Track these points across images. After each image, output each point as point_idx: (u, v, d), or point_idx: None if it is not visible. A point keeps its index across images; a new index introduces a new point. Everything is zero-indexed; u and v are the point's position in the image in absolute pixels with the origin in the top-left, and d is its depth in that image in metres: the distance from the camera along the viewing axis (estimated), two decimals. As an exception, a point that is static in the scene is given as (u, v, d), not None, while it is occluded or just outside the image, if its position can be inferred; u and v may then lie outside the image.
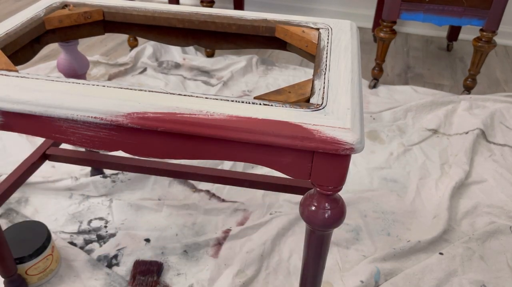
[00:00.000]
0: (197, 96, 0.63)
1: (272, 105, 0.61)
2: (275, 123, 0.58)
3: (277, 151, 0.61)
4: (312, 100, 0.64)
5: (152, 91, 0.63)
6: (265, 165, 0.63)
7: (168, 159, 0.89)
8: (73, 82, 0.66)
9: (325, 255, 0.76)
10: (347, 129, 0.57)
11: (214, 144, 0.62)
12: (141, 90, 0.64)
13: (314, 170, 0.62)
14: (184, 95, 0.63)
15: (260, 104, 0.62)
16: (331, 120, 0.58)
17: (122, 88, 0.64)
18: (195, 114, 0.59)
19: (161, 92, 0.63)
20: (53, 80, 0.66)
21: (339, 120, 0.58)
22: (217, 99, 0.62)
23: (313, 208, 0.67)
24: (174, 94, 0.63)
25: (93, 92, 0.63)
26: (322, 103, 0.62)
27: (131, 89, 0.64)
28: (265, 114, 0.59)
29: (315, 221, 0.68)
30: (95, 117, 0.61)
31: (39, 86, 0.64)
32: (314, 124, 0.58)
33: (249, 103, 0.62)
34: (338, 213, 0.68)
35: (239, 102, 0.62)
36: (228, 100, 0.62)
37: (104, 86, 0.65)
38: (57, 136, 0.67)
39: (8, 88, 0.64)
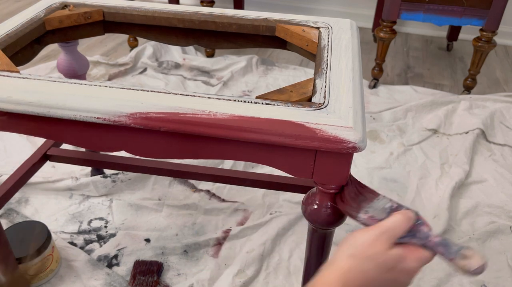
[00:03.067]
0: (199, 96, 0.63)
1: (274, 105, 0.61)
2: (278, 122, 0.58)
3: (280, 150, 0.61)
4: (314, 99, 0.64)
5: (154, 91, 0.63)
6: (267, 164, 0.63)
7: (171, 159, 0.89)
8: (75, 83, 0.65)
9: (327, 254, 0.77)
10: (349, 128, 0.57)
11: (217, 144, 0.62)
12: (143, 90, 0.64)
13: (316, 169, 0.62)
14: (187, 95, 0.63)
15: (262, 103, 0.62)
16: (334, 119, 0.59)
17: (124, 88, 0.64)
18: (198, 114, 0.59)
19: (164, 92, 0.63)
20: (55, 81, 0.66)
21: (342, 119, 0.58)
22: (219, 98, 0.62)
23: (315, 206, 0.68)
24: (176, 94, 0.63)
25: (95, 93, 0.63)
26: (324, 102, 0.62)
27: (133, 89, 0.64)
28: (268, 114, 0.59)
29: (318, 219, 0.68)
30: (97, 118, 0.61)
31: (41, 87, 0.64)
32: (316, 123, 0.58)
33: (251, 102, 0.62)
34: (341, 211, 0.68)
35: (241, 101, 0.62)
36: (230, 100, 0.62)
37: (106, 86, 0.65)
38: (60, 137, 0.67)
39: (10, 89, 0.64)
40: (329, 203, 0.67)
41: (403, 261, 0.53)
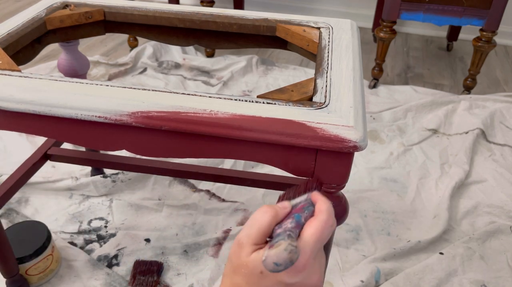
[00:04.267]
0: (200, 95, 0.63)
1: (275, 104, 0.61)
2: (279, 121, 0.58)
3: (280, 149, 0.61)
4: (315, 99, 0.64)
5: (156, 90, 0.63)
6: (268, 163, 0.63)
7: (172, 158, 0.89)
8: (76, 82, 0.66)
9: (327, 253, 0.76)
10: (350, 127, 0.57)
11: (218, 143, 0.62)
12: (144, 89, 0.64)
13: (317, 168, 0.62)
14: (188, 94, 0.63)
15: (263, 102, 0.62)
16: (334, 118, 0.59)
17: (125, 87, 0.64)
18: (199, 113, 0.59)
19: (165, 91, 0.63)
20: (56, 80, 0.66)
21: (342, 118, 0.58)
22: (220, 98, 0.62)
23: (316, 206, 0.67)
24: (177, 93, 0.63)
25: (97, 92, 0.63)
26: (325, 101, 0.62)
27: (134, 88, 0.64)
28: (269, 113, 0.59)
29: (318, 219, 0.68)
30: (99, 117, 0.61)
31: (42, 86, 0.64)
32: (317, 122, 0.58)
33: (252, 101, 0.62)
34: (341, 211, 0.69)
35: (242, 101, 0.62)
36: (231, 99, 0.62)
37: (108, 85, 0.65)
38: (61, 135, 0.67)
39: (12, 88, 0.64)
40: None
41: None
